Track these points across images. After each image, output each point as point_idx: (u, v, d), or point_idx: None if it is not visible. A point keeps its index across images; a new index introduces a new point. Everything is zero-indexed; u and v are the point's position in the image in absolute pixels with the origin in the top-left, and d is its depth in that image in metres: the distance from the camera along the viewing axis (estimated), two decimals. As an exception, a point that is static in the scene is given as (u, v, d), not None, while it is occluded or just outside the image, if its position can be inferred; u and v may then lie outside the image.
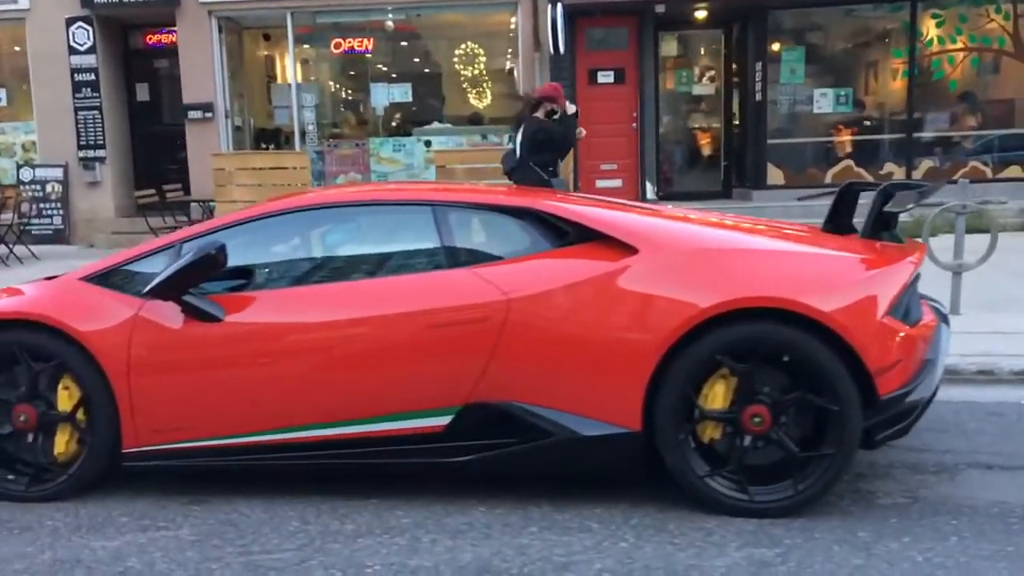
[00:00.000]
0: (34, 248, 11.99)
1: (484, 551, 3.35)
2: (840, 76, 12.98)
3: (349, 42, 13.33)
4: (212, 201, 10.98)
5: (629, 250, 3.71)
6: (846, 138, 12.91)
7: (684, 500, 3.66)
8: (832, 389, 3.47)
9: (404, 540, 3.47)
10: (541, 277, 3.72)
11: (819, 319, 3.45)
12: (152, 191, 11.02)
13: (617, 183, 13.03)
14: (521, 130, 7.42)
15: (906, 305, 3.67)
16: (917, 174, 12.58)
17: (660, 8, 12.44)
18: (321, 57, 13.91)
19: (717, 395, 3.59)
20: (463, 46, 13.71)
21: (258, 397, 3.82)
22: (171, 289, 3.76)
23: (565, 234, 3.92)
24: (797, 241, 3.95)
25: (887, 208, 4.01)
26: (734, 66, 13.54)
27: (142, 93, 14.42)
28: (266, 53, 14.48)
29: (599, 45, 13.02)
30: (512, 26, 13.18)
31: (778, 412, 3.56)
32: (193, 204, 12.44)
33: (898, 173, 12.59)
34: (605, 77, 12.99)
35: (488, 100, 13.95)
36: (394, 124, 13.48)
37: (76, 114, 13.46)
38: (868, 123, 12.96)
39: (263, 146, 14.05)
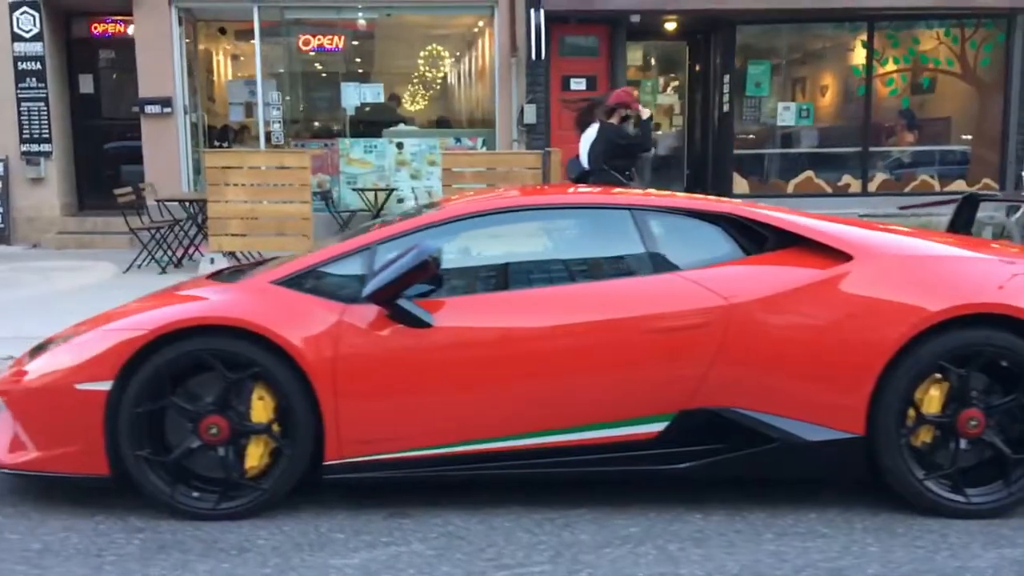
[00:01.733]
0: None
1: (743, 558, 3.34)
2: (802, 90, 13.49)
3: (319, 39, 12.99)
4: (195, 201, 10.48)
5: (841, 256, 3.78)
6: (807, 150, 13.42)
7: (881, 503, 3.75)
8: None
9: (648, 549, 3.43)
10: (760, 282, 3.75)
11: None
12: (129, 189, 10.44)
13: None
14: (594, 136, 7.39)
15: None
16: (872, 186, 13.21)
17: (635, 18, 12.64)
18: (289, 54, 13.48)
19: (933, 399, 3.70)
20: (437, 49, 13.57)
21: (467, 405, 3.71)
22: (387, 294, 3.60)
23: (763, 240, 3.96)
24: (986, 249, 4.12)
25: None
26: (698, 78, 13.87)
27: (85, 85, 13.63)
28: (229, 47, 13.95)
29: (572, 52, 13.11)
30: (480, 29, 13.13)
31: (991, 415, 3.70)
32: (156, 204, 11.82)
33: (854, 185, 13.19)
34: (578, 84, 13.08)
35: (461, 103, 13.84)
36: (364, 125, 13.18)
37: (19, 105, 12.61)
38: (828, 136, 13.50)
39: (217, 144, 13.52)
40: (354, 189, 12.68)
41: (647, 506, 3.81)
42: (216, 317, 3.64)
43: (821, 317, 3.69)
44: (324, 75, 13.80)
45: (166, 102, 12.56)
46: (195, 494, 3.69)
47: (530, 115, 12.50)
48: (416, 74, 14.09)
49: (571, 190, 5.16)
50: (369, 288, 3.60)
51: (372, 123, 13.26)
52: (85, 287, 9.01)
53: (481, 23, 13.26)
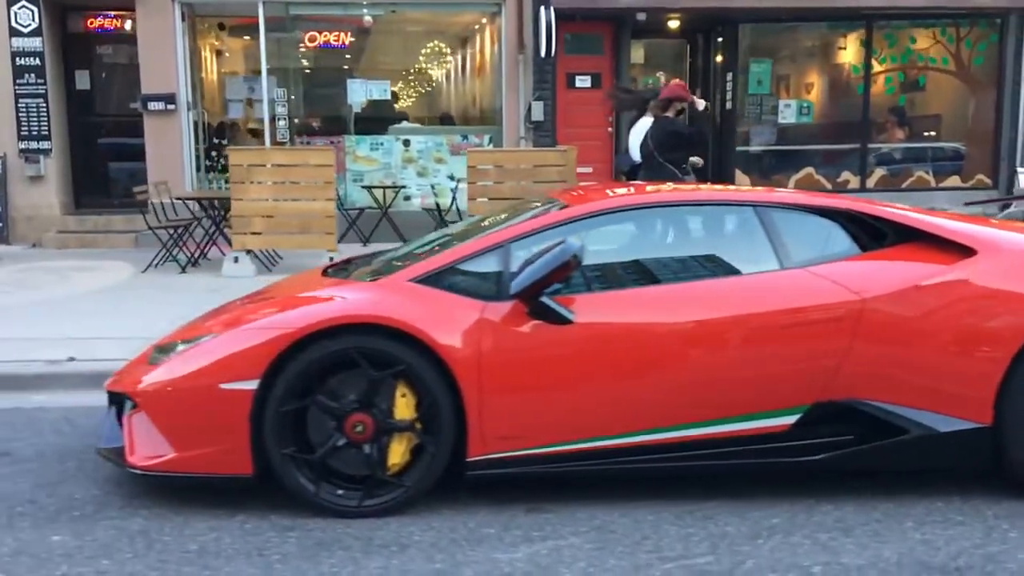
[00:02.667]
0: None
1: (896, 547, 3.43)
2: (803, 88, 13.70)
3: (325, 35, 12.89)
4: (213, 199, 10.36)
5: (965, 251, 3.89)
6: (807, 147, 13.64)
7: (998, 491, 3.88)
8: None
9: (800, 539, 3.50)
10: (889, 277, 3.85)
11: None
12: (145, 187, 10.28)
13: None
14: (646, 130, 7.44)
15: None
16: (870, 182, 13.46)
17: (641, 16, 12.72)
18: (294, 50, 13.36)
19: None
20: (442, 45, 13.55)
21: (604, 401, 3.76)
22: (534, 291, 3.63)
23: (882, 235, 4.06)
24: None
25: None
26: (698, 75, 14.01)
27: (82, 81, 13.39)
28: (232, 44, 13.78)
29: (577, 50, 13.16)
30: (485, 25, 13.14)
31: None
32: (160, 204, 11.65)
33: (853, 181, 13.42)
34: (582, 81, 13.15)
35: (466, 100, 13.83)
36: (369, 122, 13.10)
37: (17, 102, 12.33)
38: (827, 133, 13.73)
39: (216, 141, 13.37)
40: (362, 187, 12.62)
41: (775, 499, 3.88)
42: (365, 316, 3.64)
43: (950, 310, 3.80)
44: (329, 72, 13.71)
45: (170, 99, 12.37)
46: (339, 492, 3.69)
47: (537, 112, 12.53)
48: (421, 71, 14.05)
49: (700, 187, 5.24)
50: (517, 285, 3.63)
51: (377, 120, 13.19)
52: (109, 287, 8.88)
53: (486, 20, 13.26)
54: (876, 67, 13.42)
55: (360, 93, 12.95)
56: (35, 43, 12.28)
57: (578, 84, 13.17)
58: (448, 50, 13.64)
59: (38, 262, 10.63)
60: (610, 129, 13.31)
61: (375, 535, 3.52)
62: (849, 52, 13.58)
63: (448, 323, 3.67)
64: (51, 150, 12.53)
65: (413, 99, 13.94)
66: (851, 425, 3.82)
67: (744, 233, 4.03)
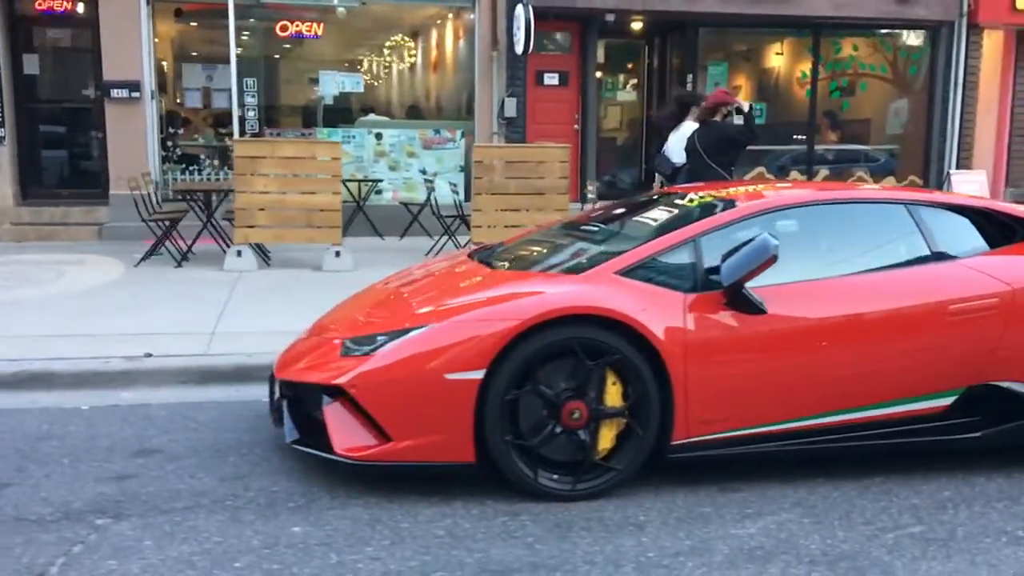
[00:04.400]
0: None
1: (1067, 509, 3.83)
2: (756, 90, 14.34)
3: (297, 26, 12.68)
4: (207, 192, 10.09)
5: (1086, 247, 4.35)
6: (759, 146, 14.26)
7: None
8: None
9: (984, 508, 3.85)
10: (1034, 269, 4.26)
11: None
12: (136, 178, 9.90)
13: (560, 182, 13.48)
14: (689, 133, 7.71)
15: None
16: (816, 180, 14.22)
17: (610, 17, 13.08)
18: (265, 39, 13.08)
19: None
20: (414, 39, 13.52)
21: (790, 386, 4.03)
22: (741, 283, 3.87)
23: (1011, 231, 4.48)
24: None
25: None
26: (656, 76, 14.48)
27: (30, 66, 12.73)
28: (201, 31, 13.37)
29: (546, 48, 13.40)
30: (459, 21, 13.21)
31: None
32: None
33: (799, 179, 14.15)
34: (551, 79, 13.40)
35: (438, 95, 13.85)
36: (338, 114, 12.99)
37: (-35, 88, 11.68)
38: (777, 134, 14.41)
39: (171, 131, 12.99)
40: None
41: (932, 475, 4.23)
42: (587, 307, 3.79)
43: (1084, 299, 4.23)
44: (299, 62, 13.49)
45: (134, 86, 11.94)
46: (555, 476, 3.83)
47: (510, 108, 12.70)
48: (391, 64, 13.99)
49: (869, 187, 5.52)
50: (729, 278, 3.86)
51: (346, 112, 13.09)
52: (114, 282, 8.59)
53: (458, 15, 13.33)
54: (822, 72, 14.18)
55: (332, 85, 12.82)
56: (-15, 25, 11.65)
57: (546, 82, 13.41)
58: (419, 44, 13.65)
59: (11, 255, 10.10)
60: (576, 126, 13.61)
61: (603, 516, 3.69)
62: (798, 58, 14.30)
63: (656, 313, 3.86)
64: (4, 138, 11.92)
65: (383, 92, 13.86)
66: (1003, 405, 4.21)
67: (900, 229, 4.37)
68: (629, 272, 4.01)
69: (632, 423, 3.87)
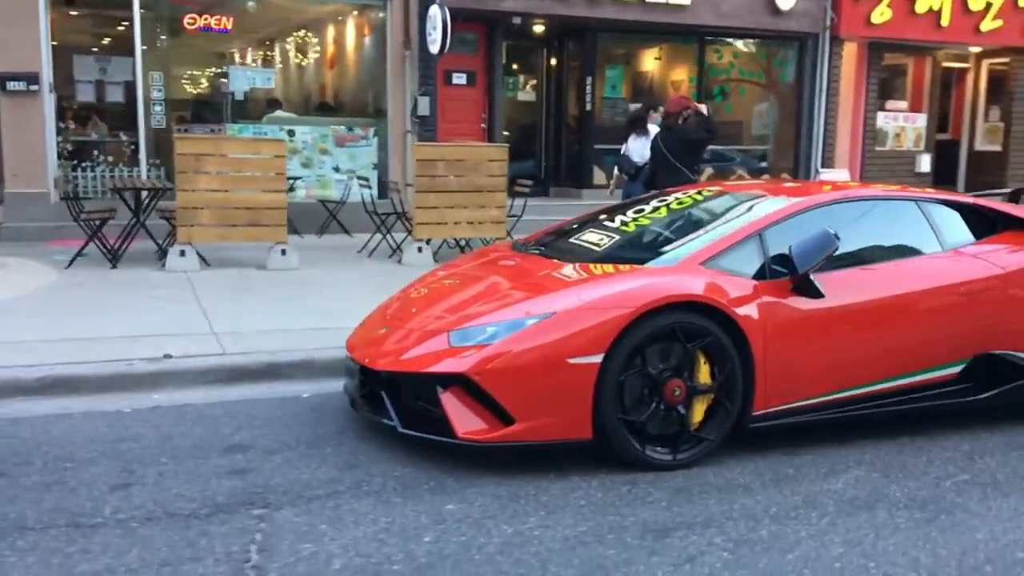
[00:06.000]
0: None
1: (1068, 456, 4.59)
2: (651, 93, 15.14)
3: (205, 18, 12.39)
4: (142, 189, 9.78)
5: (1054, 237, 5.18)
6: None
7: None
8: None
9: (1004, 459, 4.54)
10: (1020, 256, 5.02)
11: None
12: (62, 174, 9.47)
13: (466, 180, 13.81)
14: (656, 138, 8.22)
15: None
16: (702, 179, 15.16)
17: (517, 20, 13.53)
18: (171, 32, 12.67)
19: None
20: (324, 36, 13.45)
21: (846, 359, 4.62)
22: (811, 271, 4.40)
23: (992, 223, 5.25)
24: None
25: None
26: (554, 78, 15.05)
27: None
28: (103, 20, 12.77)
29: (453, 48, 13.66)
30: (370, 19, 13.29)
31: None
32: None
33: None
34: (459, 79, 13.72)
35: (349, 92, 13.83)
36: (246, 110, 12.79)
37: None
38: (669, 135, 15.30)
39: (69, 125, 12.42)
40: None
41: (947, 432, 4.92)
42: (688, 294, 4.21)
43: (1061, 281, 5.04)
44: (207, 56, 13.16)
45: (32, 78, 11.38)
46: (659, 448, 4.24)
47: (423, 107, 12.92)
48: (300, 60, 13.86)
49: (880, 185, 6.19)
50: (803, 266, 4.39)
51: (254, 107, 12.94)
52: (55, 286, 8.27)
53: (368, 14, 13.40)
54: (707, 78, 15.19)
55: (243, 80, 12.63)
56: None
57: (455, 81, 13.72)
58: (327, 41, 13.59)
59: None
60: (483, 125, 13.99)
61: (709, 481, 4.13)
62: (686, 64, 15.23)
63: (740, 299, 4.35)
64: None
65: (293, 88, 13.72)
66: (1000, 370, 4.95)
67: (915, 222, 5.05)
68: (709, 262, 4.47)
69: (721, 397, 4.33)
